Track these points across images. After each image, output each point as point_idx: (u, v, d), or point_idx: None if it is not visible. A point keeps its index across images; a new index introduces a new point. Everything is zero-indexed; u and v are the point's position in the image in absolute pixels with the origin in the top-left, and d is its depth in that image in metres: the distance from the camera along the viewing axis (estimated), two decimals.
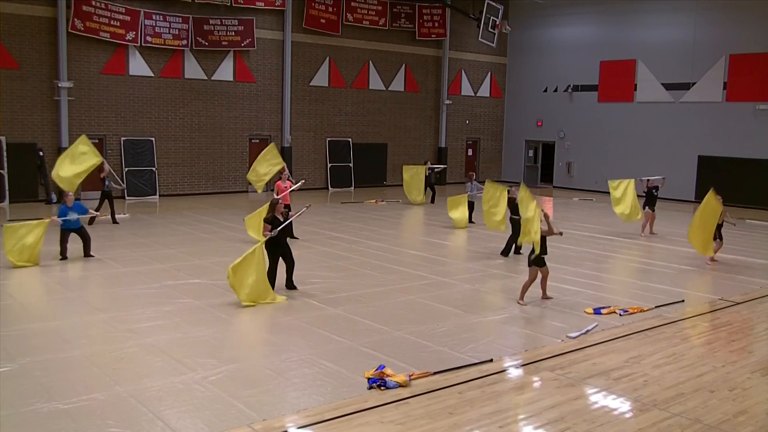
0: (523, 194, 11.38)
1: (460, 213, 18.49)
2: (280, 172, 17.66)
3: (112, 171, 18.03)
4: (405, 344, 8.65)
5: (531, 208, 10.67)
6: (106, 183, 17.37)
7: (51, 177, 16.63)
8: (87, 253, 13.31)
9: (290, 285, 11.08)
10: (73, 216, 13.13)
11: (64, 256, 13.09)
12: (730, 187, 24.81)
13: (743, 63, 25.01)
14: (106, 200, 17.36)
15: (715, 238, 14.42)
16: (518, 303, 10.65)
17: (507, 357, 8.31)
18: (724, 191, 15.25)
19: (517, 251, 14.47)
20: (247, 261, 10.09)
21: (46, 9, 20.83)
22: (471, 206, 18.98)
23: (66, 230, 13.16)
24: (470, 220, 19.00)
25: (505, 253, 14.58)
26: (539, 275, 10.72)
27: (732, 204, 15.47)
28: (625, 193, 17.71)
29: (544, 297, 10.90)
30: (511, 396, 7.21)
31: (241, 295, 10.07)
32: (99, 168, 16.99)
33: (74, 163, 15.97)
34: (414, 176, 23.38)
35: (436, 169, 24.55)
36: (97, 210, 16.41)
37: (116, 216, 17.64)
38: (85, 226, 13.83)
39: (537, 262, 10.54)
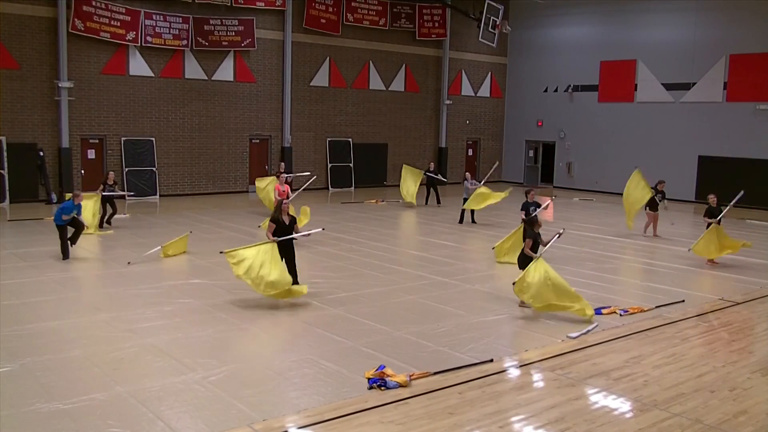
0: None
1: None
2: (277, 173, 17.57)
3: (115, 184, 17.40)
4: (405, 344, 8.65)
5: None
6: (107, 189, 16.60)
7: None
8: (74, 241, 13.28)
9: (295, 283, 11.05)
10: (69, 216, 13.10)
11: (66, 256, 13.10)
12: (730, 187, 24.85)
13: (743, 63, 25.01)
14: (108, 204, 16.77)
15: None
16: (519, 306, 10.53)
17: (507, 357, 8.31)
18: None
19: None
20: (261, 259, 10.07)
21: (47, 9, 20.83)
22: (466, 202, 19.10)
23: (62, 226, 13.11)
24: (473, 220, 19.07)
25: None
26: None
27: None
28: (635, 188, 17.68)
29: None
30: (511, 396, 7.20)
31: (264, 289, 10.02)
32: (105, 176, 17.21)
33: None
34: (411, 177, 23.14)
35: (435, 175, 23.59)
36: (110, 213, 16.73)
37: (110, 222, 16.99)
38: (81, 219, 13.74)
39: (523, 265, 10.40)
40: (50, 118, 21.26)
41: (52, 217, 13.32)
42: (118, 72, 22.37)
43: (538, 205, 14.50)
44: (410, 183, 22.80)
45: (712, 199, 14.76)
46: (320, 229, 11.91)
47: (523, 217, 14.04)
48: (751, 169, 24.71)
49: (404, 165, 23.96)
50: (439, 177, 23.28)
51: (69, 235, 13.24)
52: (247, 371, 7.61)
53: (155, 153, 23.27)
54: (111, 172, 17.82)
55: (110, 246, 14.57)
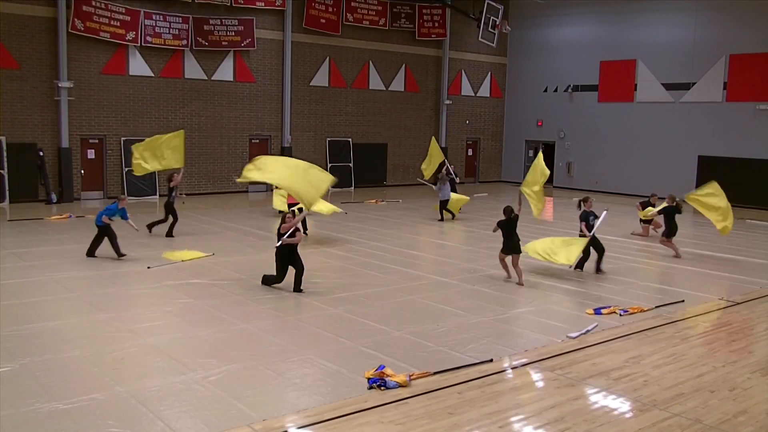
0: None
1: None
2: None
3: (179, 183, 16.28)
4: (405, 344, 8.65)
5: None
6: (173, 194, 15.80)
7: (133, 150, 15.91)
8: (117, 250, 13.24)
9: (297, 288, 11.06)
10: (109, 220, 13.27)
11: (91, 254, 13.22)
12: (730, 187, 24.83)
13: (743, 63, 25.01)
14: (169, 212, 15.82)
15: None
16: (518, 285, 11.76)
17: (507, 357, 8.31)
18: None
19: (598, 269, 13.21)
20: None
21: (46, 9, 20.83)
22: (443, 205, 19.46)
23: (102, 227, 13.22)
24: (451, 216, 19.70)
25: (581, 266, 13.34)
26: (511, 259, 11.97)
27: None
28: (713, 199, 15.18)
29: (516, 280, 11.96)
30: (511, 396, 7.21)
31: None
32: (169, 177, 16.16)
33: (160, 157, 15.74)
34: (435, 156, 21.71)
35: (455, 176, 22.34)
36: (163, 221, 15.85)
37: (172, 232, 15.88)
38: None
39: (507, 250, 11.95)
40: (50, 118, 21.26)
41: (73, 215, 13.30)
42: (117, 72, 22.36)
43: (596, 216, 13.04)
44: (434, 159, 21.54)
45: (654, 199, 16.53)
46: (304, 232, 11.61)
47: (584, 228, 12.97)
48: (750, 169, 24.72)
49: (433, 138, 22.67)
50: (457, 179, 23.01)
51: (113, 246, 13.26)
52: (247, 371, 7.61)
53: None
54: (176, 174, 16.02)
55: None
